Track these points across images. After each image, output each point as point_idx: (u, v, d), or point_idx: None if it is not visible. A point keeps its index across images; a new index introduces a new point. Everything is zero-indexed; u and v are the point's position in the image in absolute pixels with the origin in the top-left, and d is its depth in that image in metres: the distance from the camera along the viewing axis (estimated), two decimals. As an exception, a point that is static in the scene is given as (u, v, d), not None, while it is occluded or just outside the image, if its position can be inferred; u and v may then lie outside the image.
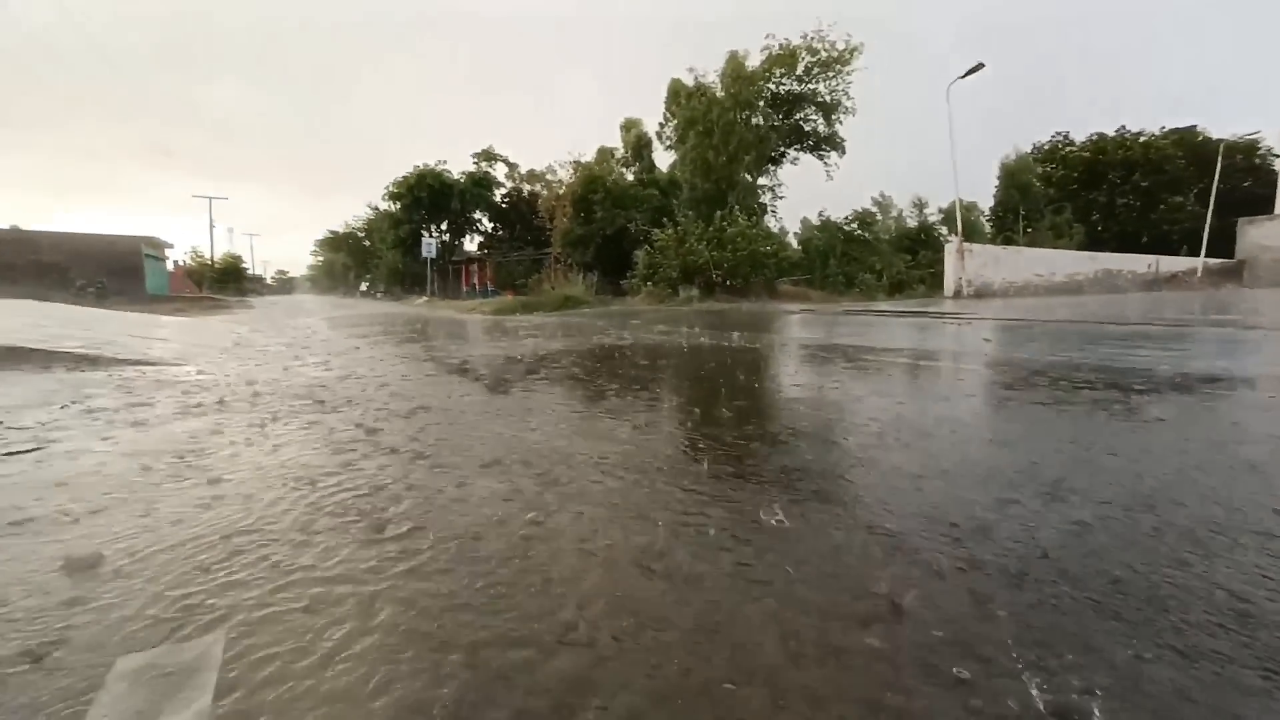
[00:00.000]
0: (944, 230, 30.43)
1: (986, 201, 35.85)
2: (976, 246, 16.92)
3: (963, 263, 15.32)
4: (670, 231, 16.95)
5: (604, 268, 20.83)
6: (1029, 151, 34.05)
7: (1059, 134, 34.83)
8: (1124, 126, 32.64)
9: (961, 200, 31.52)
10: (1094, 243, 27.20)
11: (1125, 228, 30.44)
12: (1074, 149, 33.81)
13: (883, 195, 60.95)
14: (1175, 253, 24.36)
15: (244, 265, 55.81)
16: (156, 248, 40.19)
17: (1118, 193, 31.55)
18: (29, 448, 2.25)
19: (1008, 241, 30.59)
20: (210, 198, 45.16)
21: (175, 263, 48.93)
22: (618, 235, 22.04)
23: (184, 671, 0.91)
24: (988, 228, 35.88)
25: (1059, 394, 3.05)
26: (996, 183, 32.95)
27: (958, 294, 15.21)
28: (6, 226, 35.77)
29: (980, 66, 15.43)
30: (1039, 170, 33.13)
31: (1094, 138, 33.22)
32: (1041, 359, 4.39)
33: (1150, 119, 58.94)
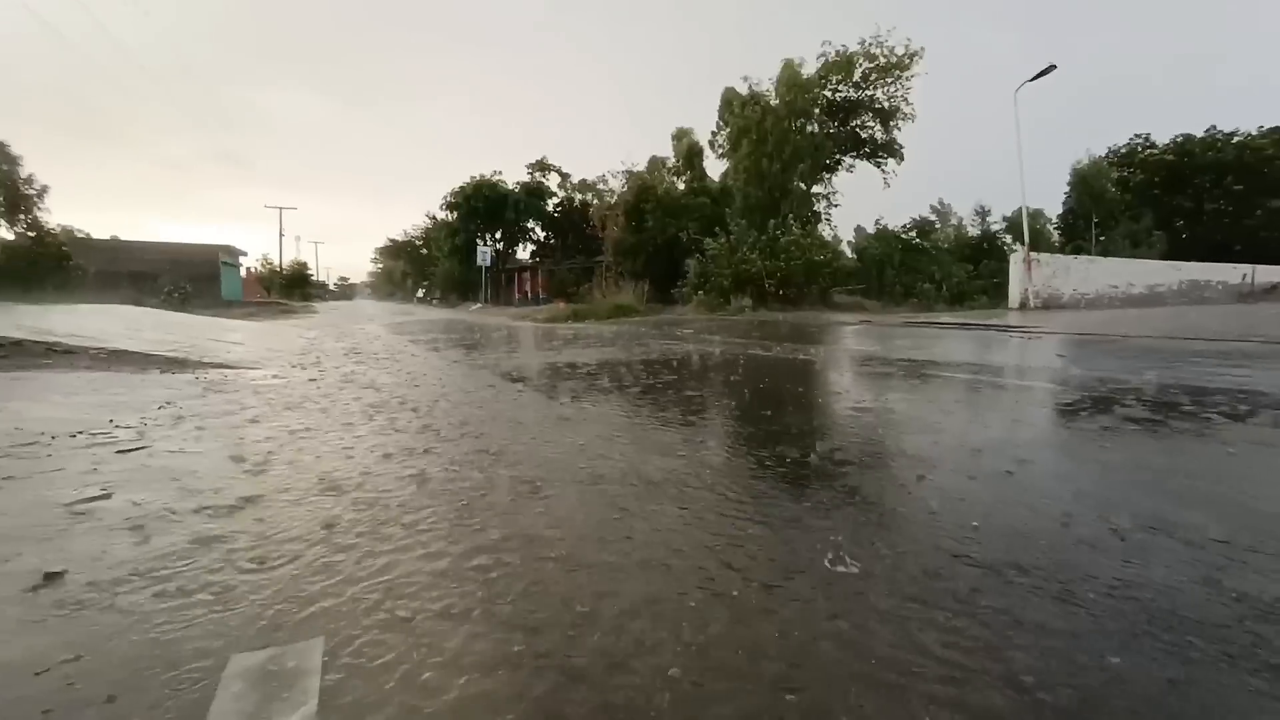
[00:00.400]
0: (1008, 239, 29.12)
1: (1054, 209, 34.10)
2: (1045, 256, 16.04)
3: (1029, 273, 14.56)
4: (722, 240, 16.83)
5: (654, 277, 20.88)
6: (1103, 155, 32.23)
7: (1138, 136, 32.82)
8: (1214, 126, 30.48)
9: (1028, 207, 30.19)
10: (1178, 251, 25.40)
11: (1214, 235, 28.33)
12: (1155, 151, 31.79)
13: (942, 203, 58.89)
14: (1276, 262, 22.40)
15: (309, 272, 58.85)
16: (232, 255, 42.88)
17: (1206, 197, 29.41)
18: (137, 446, 2.42)
19: (1078, 251, 28.96)
20: (280, 208, 47.86)
21: (247, 269, 52.09)
22: (669, 244, 22.08)
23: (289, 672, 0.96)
24: (1056, 236, 34.10)
25: (1151, 417, 2.85)
26: (1066, 189, 31.30)
27: (1023, 306, 14.46)
28: (107, 237, 38.97)
29: (1051, 68, 14.70)
30: (1114, 175, 31.27)
31: (1178, 139, 31.12)
32: (1124, 377, 4.12)
33: (1245, 117, 54.84)
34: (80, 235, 36.04)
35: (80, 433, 2.63)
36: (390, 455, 2.33)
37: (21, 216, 29.19)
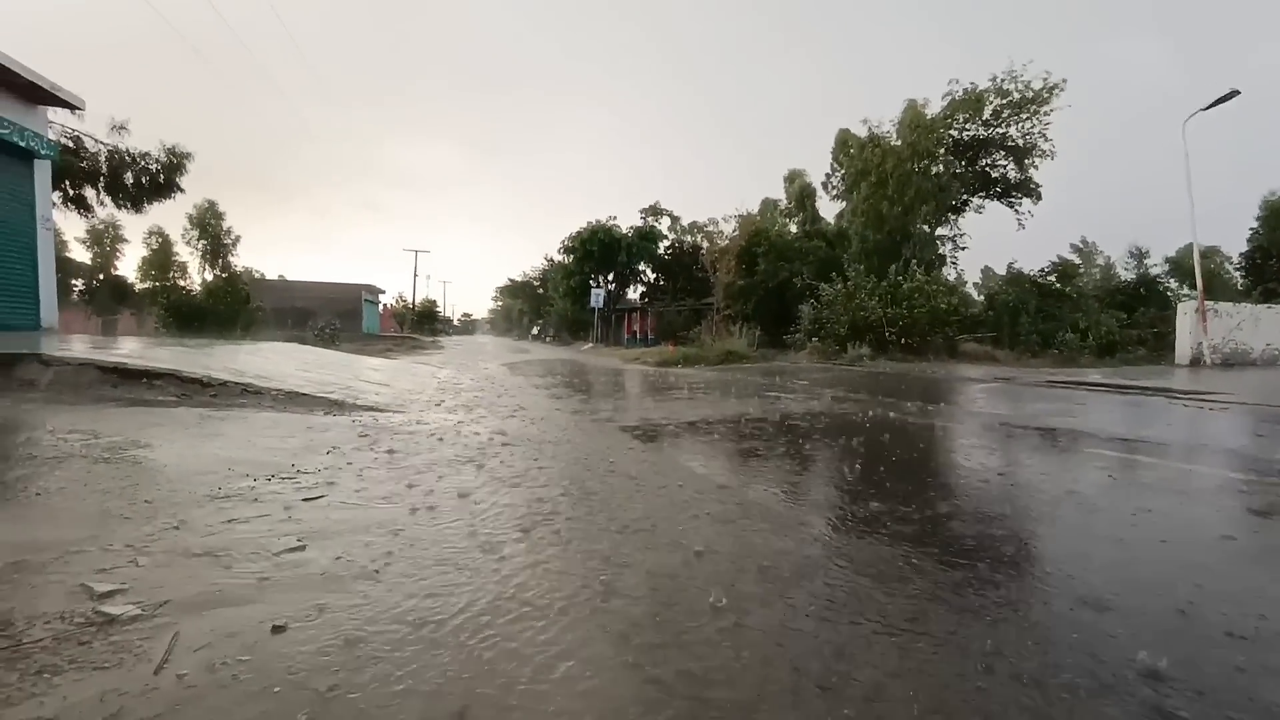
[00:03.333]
0: (1172, 283, 25.72)
1: (1234, 246, 29.71)
2: (1226, 305, 13.92)
3: (1204, 325, 12.68)
4: (839, 286, 16.35)
5: (765, 321, 20.64)
6: (1303, 185, 27.73)
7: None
8: None
9: (1200, 246, 26.78)
10: None
11: None
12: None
13: (1085, 241, 53.45)
14: None
15: (437, 309, 64.49)
16: (372, 293, 48.09)
17: None
18: (317, 495, 2.76)
19: (1270, 296, 24.94)
20: (416, 252, 53.23)
21: (384, 305, 58.08)
22: (780, 288, 21.82)
23: None
24: (1238, 279, 29.63)
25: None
26: (1254, 225, 27.21)
27: (1196, 362, 12.55)
28: (275, 276, 45.37)
29: (1234, 94, 13.01)
30: (1321, 207, 26.72)
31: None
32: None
33: None
34: (257, 275, 42.27)
35: (274, 476, 3.05)
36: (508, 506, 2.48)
37: (220, 261, 34.85)
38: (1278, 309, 14.91)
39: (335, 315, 37.94)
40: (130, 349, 7.77)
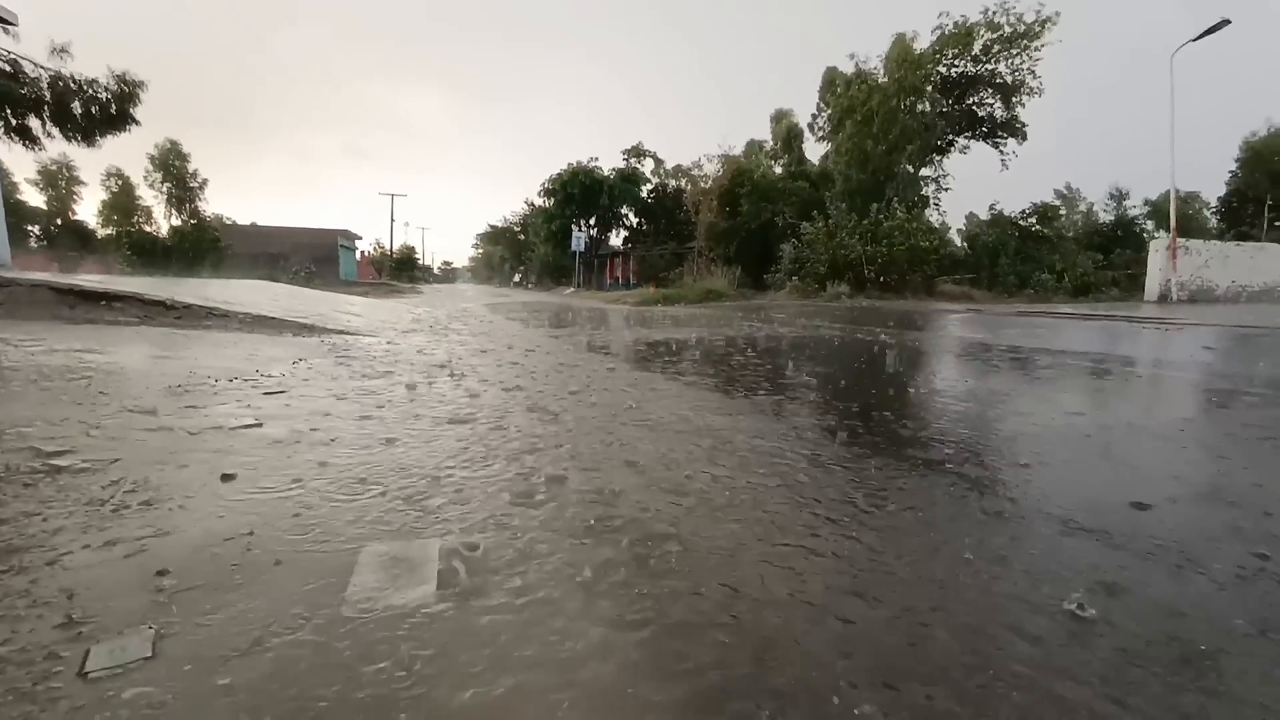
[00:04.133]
0: (1149, 225, 25.96)
1: (1213, 191, 29.90)
2: (1195, 243, 14.10)
3: (1174, 261, 12.88)
4: (820, 225, 16.23)
5: (747, 262, 20.55)
6: (1286, 128, 27.66)
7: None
8: None
9: (1179, 190, 26.80)
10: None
11: None
12: (1354, 121, 27.01)
13: (1069, 187, 53.31)
14: None
15: (416, 256, 63.11)
16: (349, 239, 46.78)
17: None
18: (279, 389, 2.77)
19: (1241, 238, 25.32)
20: (392, 195, 51.39)
21: (361, 252, 56.67)
22: (763, 229, 21.62)
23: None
24: (1213, 223, 29.99)
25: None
26: (1233, 168, 27.34)
27: (1164, 299, 12.81)
28: (248, 223, 43.85)
29: (1225, 23, 12.73)
30: (1299, 149, 26.82)
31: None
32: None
33: None
34: (228, 221, 40.83)
35: (236, 378, 3.04)
36: (480, 393, 2.52)
37: (186, 206, 33.49)
38: (1246, 247, 15.17)
39: (310, 261, 36.99)
40: (90, 277, 7.56)
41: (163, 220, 35.85)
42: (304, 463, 1.70)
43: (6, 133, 14.01)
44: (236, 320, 5.28)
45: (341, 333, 5.50)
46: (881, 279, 14.93)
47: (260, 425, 2.11)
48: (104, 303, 5.08)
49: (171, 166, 34.69)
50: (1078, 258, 19.55)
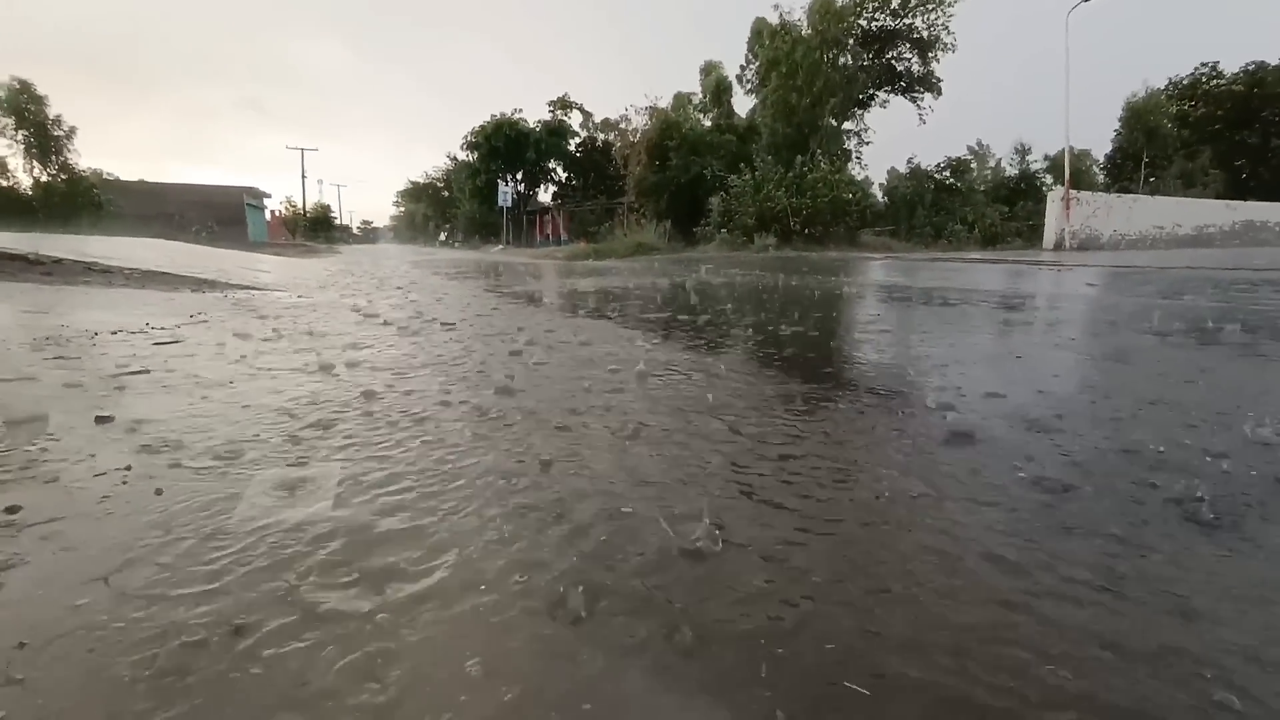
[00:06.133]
0: (1049, 179, 27.76)
1: (1101, 149, 32.23)
2: (1086, 194, 15.28)
3: (1068, 212, 13.94)
4: (747, 177, 16.36)
5: (677, 216, 20.53)
6: (1162, 88, 30.02)
7: (1204, 65, 30.50)
8: (1289, 55, 28.19)
9: (1073, 146, 28.54)
10: (1237, 193, 23.98)
11: (1280, 174, 26.67)
12: (1222, 82, 29.56)
13: (980, 144, 56.01)
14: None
15: (333, 215, 59.03)
16: (256, 198, 43.22)
17: (1275, 133, 27.48)
18: (171, 340, 2.56)
19: (1123, 191, 27.58)
20: (302, 149, 47.60)
21: (271, 212, 52.48)
22: (692, 183, 21.57)
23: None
24: (1101, 178, 32.42)
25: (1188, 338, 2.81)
26: (1117, 126, 29.48)
27: (1059, 246, 13.90)
28: (135, 179, 39.46)
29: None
30: (1173, 110, 29.22)
31: (1250, 68, 28.78)
32: (1159, 302, 4.03)
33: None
34: (109, 177, 36.59)
35: (120, 331, 2.78)
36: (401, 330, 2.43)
37: (53, 158, 29.66)
38: (1125, 198, 16.58)
39: (215, 220, 33.89)
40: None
41: (22, 174, 31.69)
42: (194, 403, 1.59)
43: None
44: (122, 276, 4.80)
45: (249, 288, 5.13)
46: (806, 231, 15.33)
47: (147, 372, 1.96)
48: (-48, 260, 4.50)
49: (25, 111, 30.48)
50: (986, 210, 20.72)
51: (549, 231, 33.32)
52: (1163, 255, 12.88)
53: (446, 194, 50.20)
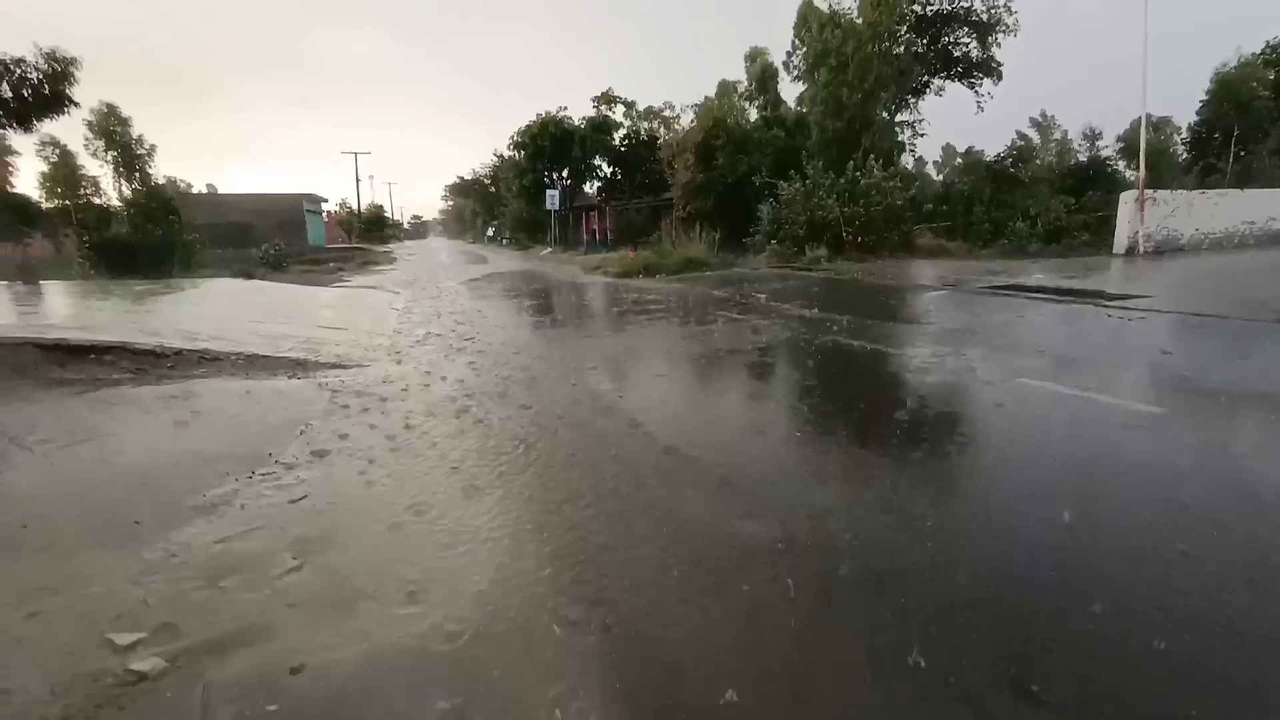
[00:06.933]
0: (1121, 165, 26.06)
1: (1185, 116, 29.81)
2: (1162, 193, 14.27)
3: (1142, 214, 13.15)
4: (797, 185, 16.07)
5: (725, 219, 20.39)
6: (1258, 54, 27.28)
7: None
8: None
9: (1150, 120, 26.58)
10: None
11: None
12: (1335, 42, 26.63)
13: (1044, 115, 52.78)
14: None
15: (386, 215, 61.16)
16: (314, 203, 45.10)
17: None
18: (300, 496, 2.91)
19: (1208, 171, 25.61)
20: (355, 154, 49.26)
21: (328, 213, 54.75)
22: (739, 182, 21.30)
23: None
24: (1182, 153, 30.20)
25: None
26: (1203, 98, 27.22)
27: (1131, 251, 13.14)
28: (204, 187, 41.87)
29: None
30: (1269, 76, 26.56)
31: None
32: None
33: None
34: (182, 185, 38.90)
35: (252, 474, 3.17)
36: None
37: (136, 175, 31.85)
38: (1210, 194, 15.44)
39: (277, 227, 35.66)
40: (65, 314, 7.41)
41: (112, 191, 34.14)
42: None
43: (-70, 122, 13.15)
44: (230, 364, 5.31)
45: (335, 366, 5.57)
46: (859, 239, 15.01)
47: (301, 566, 2.29)
48: (93, 356, 5.07)
49: (114, 133, 32.73)
50: (1050, 202, 19.70)
51: (594, 228, 33.54)
52: (1258, 259, 12.05)
53: (494, 190, 51.02)
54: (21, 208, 32.86)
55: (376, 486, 3.05)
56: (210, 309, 7.95)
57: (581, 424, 3.92)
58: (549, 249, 30.96)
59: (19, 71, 13.35)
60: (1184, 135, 32.45)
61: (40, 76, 13.63)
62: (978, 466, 3.13)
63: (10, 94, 13.40)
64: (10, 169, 33.74)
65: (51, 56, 13.75)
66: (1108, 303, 7.37)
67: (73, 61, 13.98)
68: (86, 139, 32.13)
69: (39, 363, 4.88)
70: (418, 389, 4.87)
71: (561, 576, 2.18)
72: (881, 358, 5.40)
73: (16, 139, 32.45)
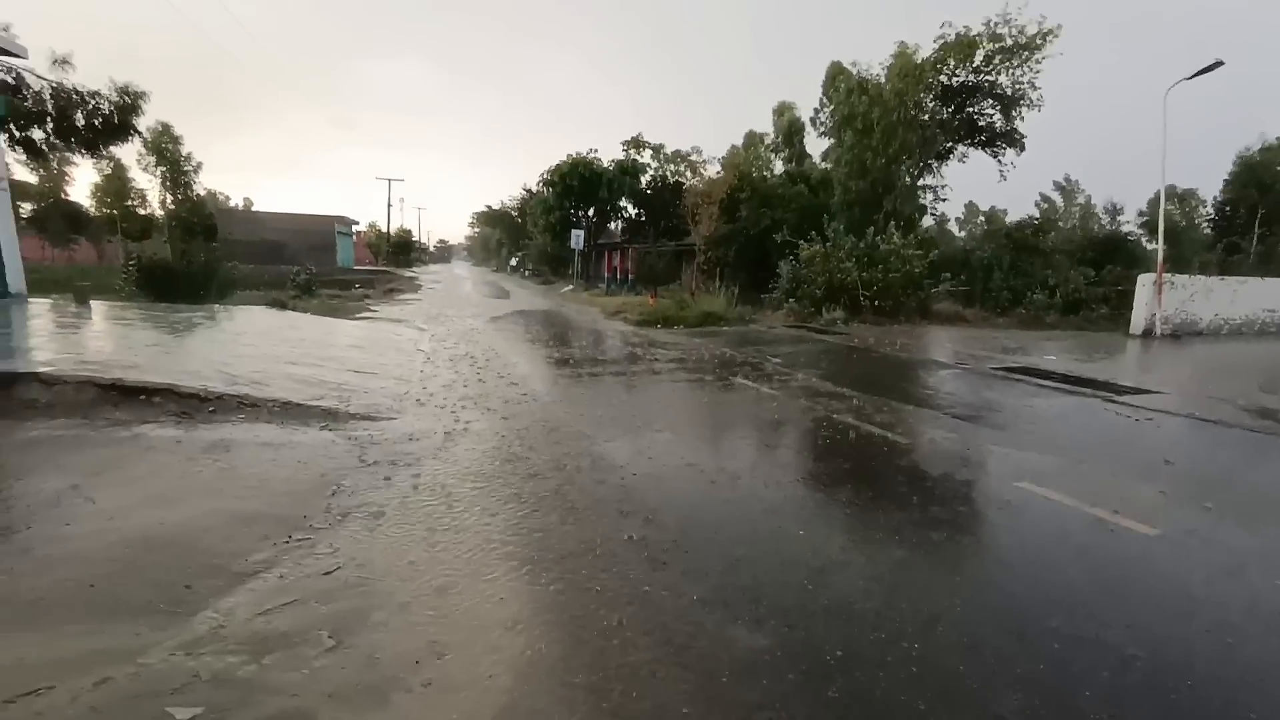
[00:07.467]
0: (1143, 236, 26.25)
1: (1210, 187, 30.12)
2: (1181, 278, 14.43)
3: (1160, 297, 13.27)
4: (817, 246, 16.47)
5: (745, 269, 20.79)
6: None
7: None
8: None
9: (1174, 191, 26.83)
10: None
11: None
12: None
13: (1068, 180, 53.32)
14: None
15: (413, 239, 62.96)
16: (345, 225, 46.62)
17: None
18: (331, 567, 3.14)
19: (1231, 250, 25.70)
20: (389, 180, 51.14)
21: (357, 234, 56.58)
22: (761, 236, 21.78)
23: None
24: (1207, 229, 30.32)
25: None
26: (1227, 178, 27.51)
27: (1148, 333, 13.23)
28: (241, 201, 43.58)
29: (1218, 65, 12.93)
30: (1292, 162, 26.92)
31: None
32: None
33: None
34: (221, 198, 40.50)
35: (289, 538, 3.41)
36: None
37: (180, 192, 33.35)
38: (1229, 281, 15.53)
39: (309, 248, 36.92)
40: (116, 345, 7.84)
41: (157, 205, 35.72)
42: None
43: (10, 144, 14.02)
44: (266, 411, 5.63)
45: (364, 418, 5.87)
46: (877, 304, 15.27)
47: (337, 646, 2.50)
48: (143, 397, 5.43)
49: (165, 150, 34.39)
50: (1070, 272, 19.87)
51: (616, 266, 34.24)
52: (1277, 349, 12.06)
53: (520, 221, 52.37)
54: (73, 215, 34.47)
55: (405, 559, 3.27)
56: (247, 347, 8.35)
57: (600, 504, 4.12)
58: (570, 286, 31.60)
59: (92, 103, 14.27)
60: (1209, 209, 32.60)
61: (111, 107, 14.56)
62: (954, 590, 3.19)
63: (83, 123, 14.30)
64: (67, 178, 35.50)
65: (124, 90, 14.71)
66: (1118, 396, 7.49)
67: (142, 95, 14.95)
68: (139, 154, 33.78)
69: (97, 402, 5.25)
70: (444, 448, 5.12)
71: (573, 663, 2.37)
72: (884, 446, 5.56)
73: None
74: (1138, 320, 13.65)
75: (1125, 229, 25.98)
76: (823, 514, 4.15)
